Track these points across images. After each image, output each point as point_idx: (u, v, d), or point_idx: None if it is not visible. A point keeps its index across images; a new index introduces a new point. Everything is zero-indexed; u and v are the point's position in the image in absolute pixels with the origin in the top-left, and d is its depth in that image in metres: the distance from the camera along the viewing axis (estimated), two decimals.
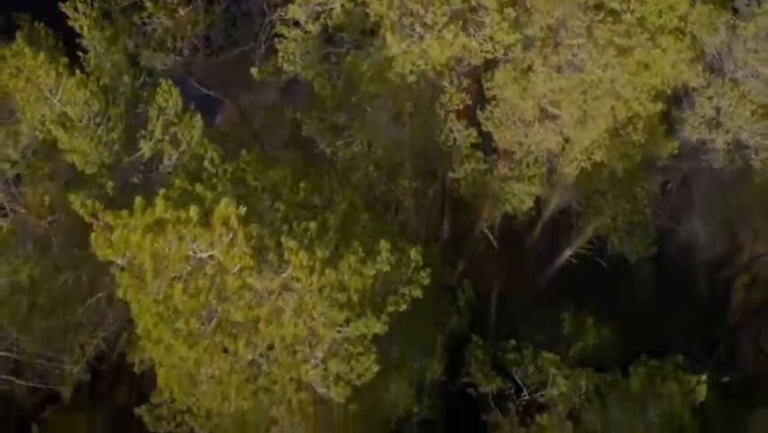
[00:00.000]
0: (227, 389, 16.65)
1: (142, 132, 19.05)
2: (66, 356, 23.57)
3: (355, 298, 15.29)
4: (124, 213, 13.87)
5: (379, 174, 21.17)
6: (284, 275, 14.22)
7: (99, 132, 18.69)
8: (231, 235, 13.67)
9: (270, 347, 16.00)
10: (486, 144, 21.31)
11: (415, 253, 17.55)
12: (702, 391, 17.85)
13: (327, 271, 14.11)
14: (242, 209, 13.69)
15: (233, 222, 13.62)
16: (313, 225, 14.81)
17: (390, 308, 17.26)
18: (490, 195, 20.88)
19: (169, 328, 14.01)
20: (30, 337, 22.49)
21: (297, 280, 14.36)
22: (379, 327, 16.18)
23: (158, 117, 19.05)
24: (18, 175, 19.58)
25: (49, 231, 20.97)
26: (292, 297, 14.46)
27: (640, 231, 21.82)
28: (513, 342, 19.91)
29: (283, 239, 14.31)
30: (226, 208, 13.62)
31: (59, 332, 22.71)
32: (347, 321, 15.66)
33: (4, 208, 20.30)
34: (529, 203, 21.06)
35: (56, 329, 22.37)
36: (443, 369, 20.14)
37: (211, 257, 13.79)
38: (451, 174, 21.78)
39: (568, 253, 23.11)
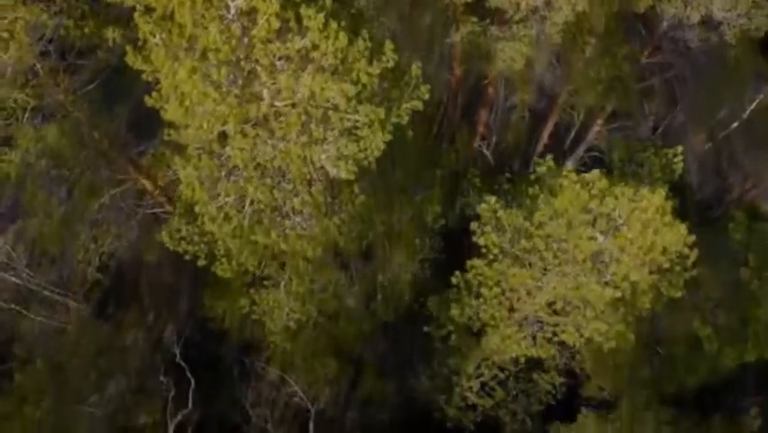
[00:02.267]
0: (246, 185, 19.18)
1: None
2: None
3: (364, 79, 17.90)
4: None
5: None
6: (304, 40, 16.86)
7: None
8: None
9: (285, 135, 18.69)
10: (481, 9, 24.31)
11: (415, 69, 20.29)
12: None
13: (341, 35, 16.75)
14: None
15: None
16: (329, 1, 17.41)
17: (394, 119, 19.99)
18: (485, 55, 23.73)
19: (201, 80, 16.53)
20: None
21: (315, 46, 17.01)
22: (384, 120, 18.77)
23: None
24: None
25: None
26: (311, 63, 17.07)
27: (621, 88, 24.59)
28: (508, 175, 22.33)
29: (302, 9, 17.02)
30: None
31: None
32: (357, 106, 18.30)
33: None
34: (520, 63, 23.86)
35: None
36: (440, 208, 22.55)
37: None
38: (448, 40, 24.73)
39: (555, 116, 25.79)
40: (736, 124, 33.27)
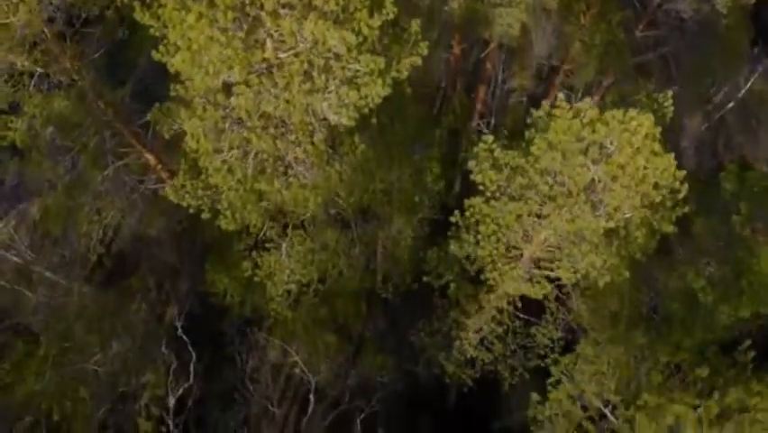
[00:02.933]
0: (250, 135, 19.97)
1: None
2: None
3: (365, 31, 18.75)
4: None
5: None
6: None
7: None
8: None
9: (288, 85, 19.52)
10: None
11: (414, 26, 21.18)
12: None
13: None
14: None
15: None
16: None
17: (394, 74, 20.85)
18: (483, 20, 24.65)
19: (208, 25, 17.40)
20: None
21: None
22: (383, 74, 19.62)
23: None
24: None
25: None
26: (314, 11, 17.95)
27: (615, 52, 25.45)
28: (506, 132, 23.12)
29: None
30: None
31: None
32: (358, 56, 19.15)
33: None
34: (516, 29, 24.78)
35: None
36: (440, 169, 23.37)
37: None
38: (446, 8, 25.67)
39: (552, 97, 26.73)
40: (731, 104, 34.31)
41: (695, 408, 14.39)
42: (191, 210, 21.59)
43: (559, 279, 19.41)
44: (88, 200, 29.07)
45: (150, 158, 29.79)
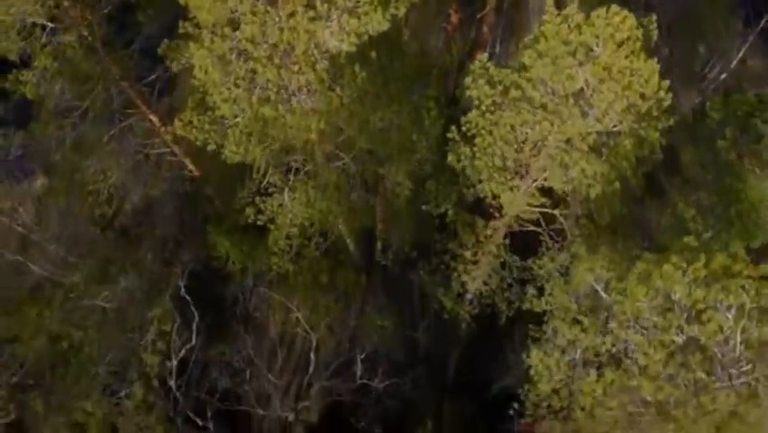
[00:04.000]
0: (256, 65, 21.40)
1: None
2: None
3: None
4: None
5: None
6: None
7: None
8: None
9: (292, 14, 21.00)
10: None
11: None
12: None
13: None
14: None
15: None
16: None
17: (392, 10, 22.38)
18: None
19: None
20: None
21: None
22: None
23: None
24: None
25: None
26: None
27: None
28: None
29: None
30: None
31: None
32: None
33: None
34: None
35: None
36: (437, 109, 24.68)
37: None
38: None
39: None
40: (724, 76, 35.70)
41: (683, 271, 15.58)
42: (198, 143, 22.93)
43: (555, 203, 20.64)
44: (94, 160, 30.50)
45: (155, 120, 31.22)
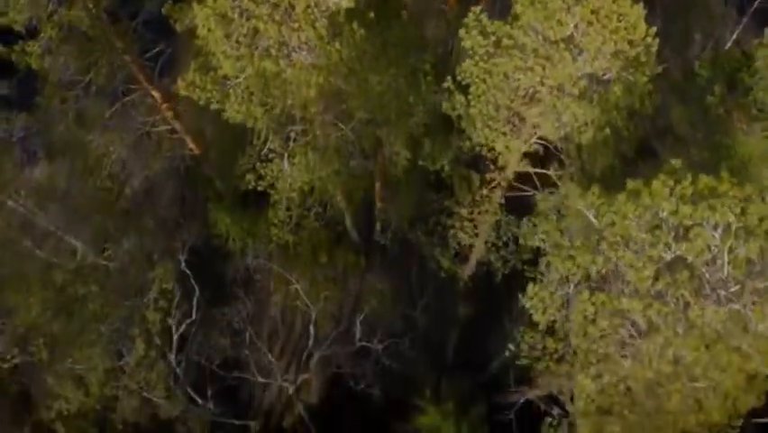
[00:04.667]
0: (257, 22, 22.34)
1: None
2: None
3: None
4: None
5: None
6: None
7: None
8: None
9: None
10: None
11: None
12: None
13: None
14: None
15: None
16: None
17: None
18: None
19: None
20: None
21: None
22: None
23: None
24: None
25: None
26: None
27: None
28: None
29: None
30: None
31: None
32: None
33: None
34: None
35: None
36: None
37: None
38: None
39: None
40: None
41: (671, 190, 16.29)
42: (201, 102, 23.78)
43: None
44: (96, 135, 31.31)
45: (157, 96, 32.09)
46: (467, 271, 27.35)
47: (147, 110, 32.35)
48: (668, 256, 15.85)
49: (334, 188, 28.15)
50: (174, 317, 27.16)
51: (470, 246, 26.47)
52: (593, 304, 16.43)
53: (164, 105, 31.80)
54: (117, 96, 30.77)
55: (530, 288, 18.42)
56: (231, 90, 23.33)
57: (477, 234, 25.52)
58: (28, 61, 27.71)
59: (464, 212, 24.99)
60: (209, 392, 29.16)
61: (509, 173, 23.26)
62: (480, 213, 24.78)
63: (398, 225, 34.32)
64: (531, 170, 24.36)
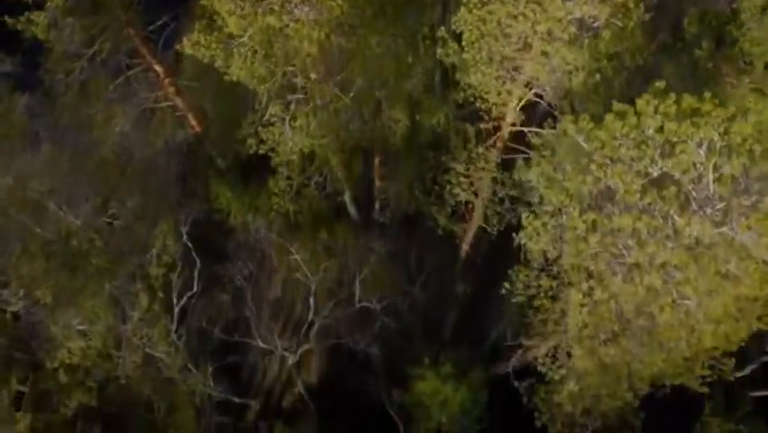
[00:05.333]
0: None
1: None
2: None
3: None
4: None
5: None
6: None
7: None
8: None
9: None
10: None
11: None
12: None
13: None
14: None
15: None
16: None
17: None
18: None
19: None
20: None
21: None
22: None
23: None
24: None
25: None
26: None
27: None
28: None
29: None
30: None
31: None
32: None
33: None
34: None
35: None
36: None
37: None
38: None
39: None
40: None
41: (655, 108, 17.19)
42: (205, 60, 24.83)
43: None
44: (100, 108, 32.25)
45: (159, 70, 33.09)
46: (469, 233, 28.25)
47: (150, 87, 33.34)
48: (654, 172, 16.78)
49: (334, 156, 29.11)
50: (176, 272, 27.95)
51: (468, 205, 27.35)
52: (584, 222, 17.33)
53: (167, 80, 32.80)
54: (121, 70, 31.80)
55: (524, 217, 19.33)
56: (235, 49, 24.40)
57: (475, 193, 26.41)
58: (34, 31, 28.76)
59: (460, 167, 25.90)
60: (210, 370, 29.86)
61: (505, 130, 24.23)
62: (476, 169, 25.69)
63: (397, 203, 35.34)
64: (526, 129, 25.34)
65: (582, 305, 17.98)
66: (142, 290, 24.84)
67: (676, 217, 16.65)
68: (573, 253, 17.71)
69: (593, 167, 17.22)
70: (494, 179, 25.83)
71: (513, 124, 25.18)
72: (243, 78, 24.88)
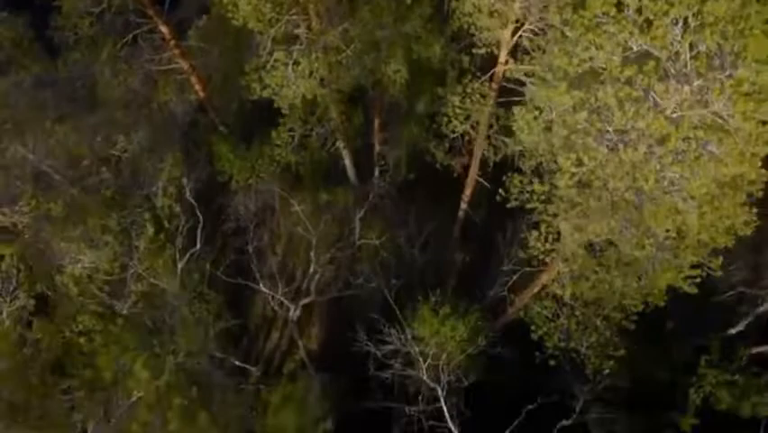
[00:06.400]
0: None
1: None
2: None
3: None
4: None
5: None
6: None
7: None
8: None
9: None
10: None
11: None
12: None
13: None
14: None
15: None
16: None
17: None
18: None
19: None
20: None
21: None
22: None
23: None
24: None
25: None
26: None
27: None
28: None
29: None
30: None
31: None
32: None
33: None
34: None
35: None
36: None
37: None
38: None
39: None
40: None
41: None
42: None
43: None
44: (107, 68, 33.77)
45: (165, 31, 34.72)
46: (471, 175, 29.53)
47: (155, 50, 34.95)
48: (634, 46, 18.28)
49: (336, 107, 30.54)
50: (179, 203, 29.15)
51: (464, 138, 28.67)
52: (572, 98, 18.77)
53: (172, 42, 34.41)
54: (129, 30, 33.41)
55: (517, 111, 20.78)
56: None
57: (473, 127, 27.73)
58: None
59: (456, 99, 27.30)
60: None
61: (500, 69, 25.76)
62: (472, 102, 27.09)
63: (397, 169, 36.80)
64: (520, 67, 26.89)
65: (572, 174, 19.23)
66: (149, 219, 26.15)
67: (656, 90, 18.13)
68: (561, 125, 19.10)
69: (578, 49, 18.72)
70: (491, 114, 27.24)
71: (506, 62, 26.78)
72: (249, 19, 26.49)
